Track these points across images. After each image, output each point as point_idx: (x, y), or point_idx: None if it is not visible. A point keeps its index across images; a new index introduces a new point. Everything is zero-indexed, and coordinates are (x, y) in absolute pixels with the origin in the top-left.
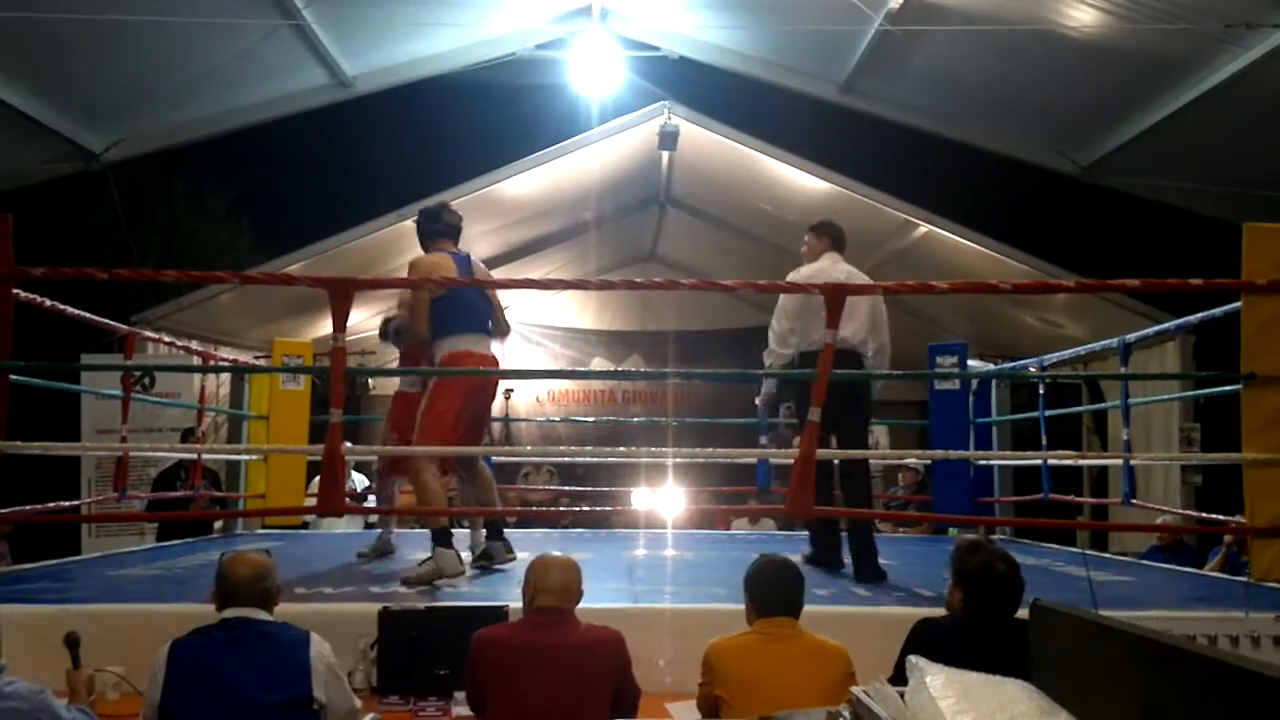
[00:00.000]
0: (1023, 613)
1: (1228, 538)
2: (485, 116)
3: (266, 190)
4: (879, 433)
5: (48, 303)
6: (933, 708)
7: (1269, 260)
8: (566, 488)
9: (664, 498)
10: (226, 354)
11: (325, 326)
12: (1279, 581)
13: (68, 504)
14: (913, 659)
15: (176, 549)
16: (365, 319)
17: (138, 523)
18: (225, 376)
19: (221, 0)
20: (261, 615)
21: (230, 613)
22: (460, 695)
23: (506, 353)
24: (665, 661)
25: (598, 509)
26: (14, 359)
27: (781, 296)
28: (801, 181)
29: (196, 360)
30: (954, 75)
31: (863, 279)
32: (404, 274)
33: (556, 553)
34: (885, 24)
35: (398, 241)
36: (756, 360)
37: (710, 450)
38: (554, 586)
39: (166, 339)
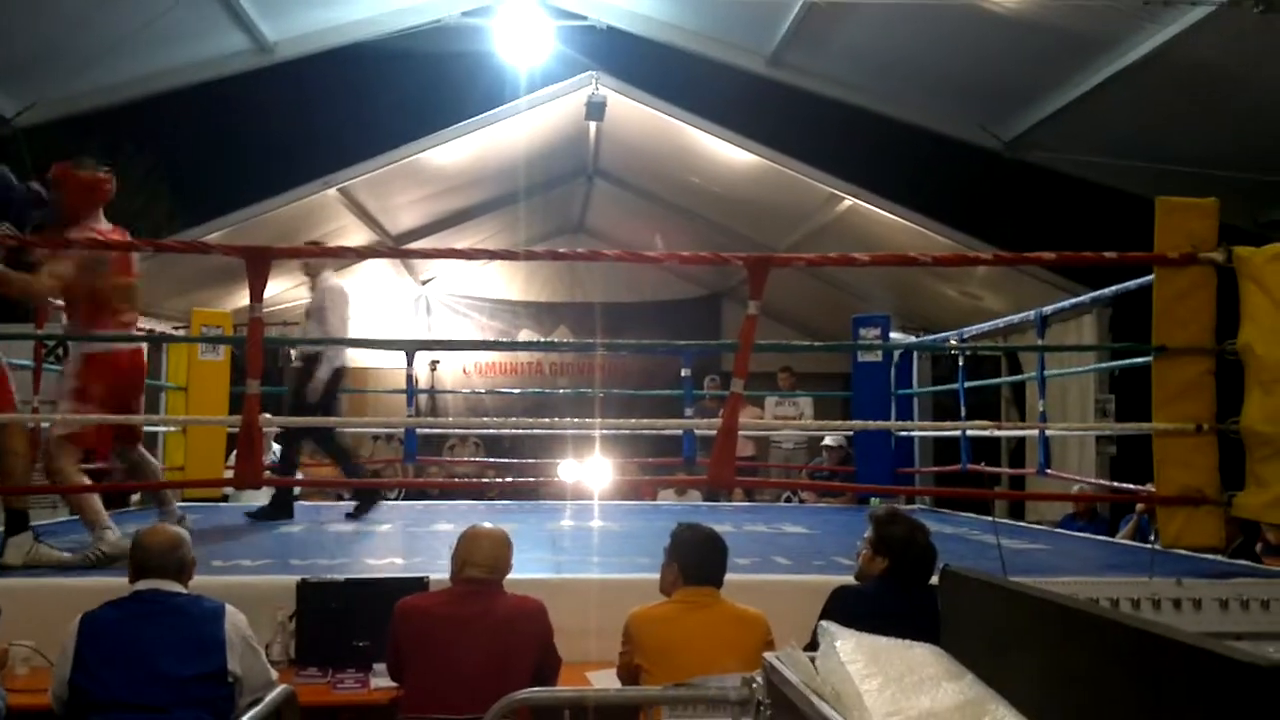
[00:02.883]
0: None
1: (1139, 506)
2: (410, 84)
3: (184, 157)
4: (803, 404)
5: None
6: (842, 671)
7: (1181, 234)
8: (492, 459)
9: (590, 469)
10: (143, 324)
11: (244, 298)
12: (1186, 548)
13: None
14: (824, 624)
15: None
16: (285, 290)
17: (49, 495)
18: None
19: None
20: (175, 587)
21: (143, 584)
22: (379, 667)
23: (433, 325)
24: (588, 631)
25: (523, 480)
26: None
27: None
28: (729, 154)
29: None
30: (879, 50)
31: None
32: (327, 244)
33: (488, 524)
34: None
35: (320, 210)
36: (684, 332)
37: (635, 421)
38: (483, 559)
39: None
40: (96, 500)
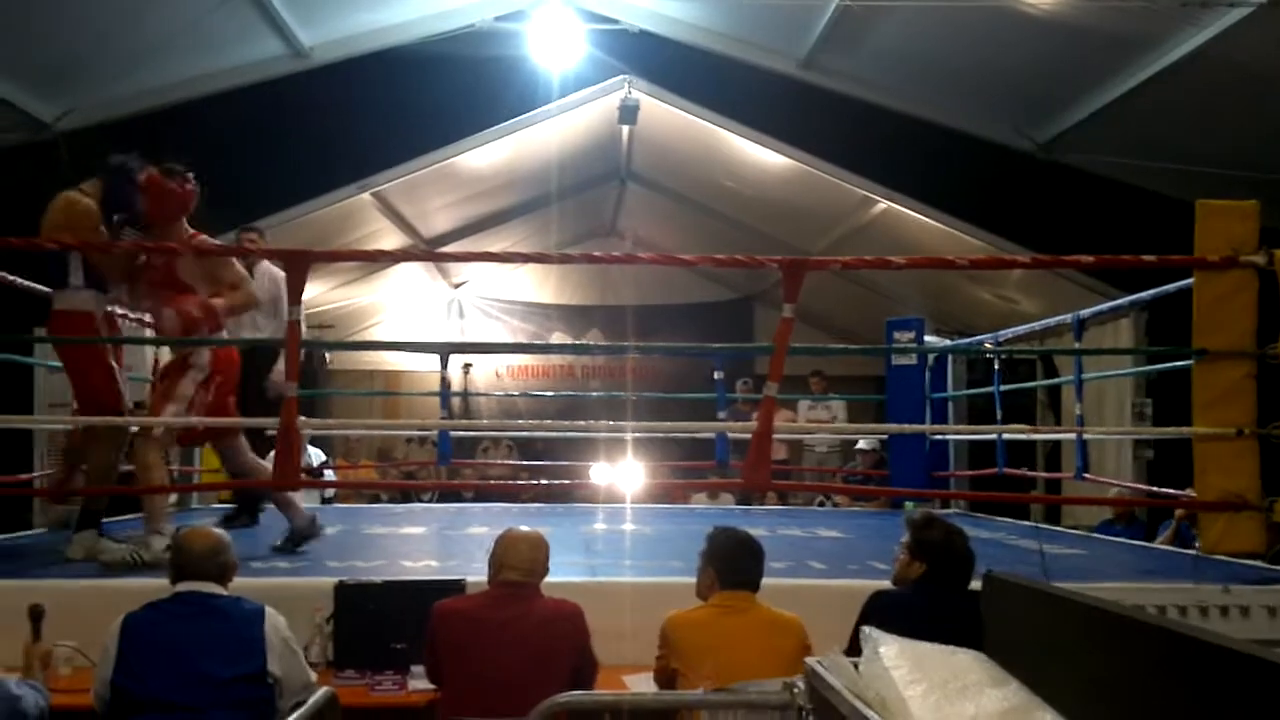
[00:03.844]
0: (975, 585)
1: (1178, 511)
2: (443, 88)
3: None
4: (836, 407)
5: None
6: (886, 677)
7: (1221, 237)
8: (525, 462)
9: (623, 472)
10: None
11: None
12: (1227, 554)
13: (19, 478)
14: (867, 630)
15: (131, 524)
16: (322, 292)
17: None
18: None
19: None
20: (216, 589)
21: (184, 587)
22: (417, 669)
23: (466, 328)
24: (623, 634)
25: (556, 483)
26: None
27: None
28: (761, 157)
29: (150, 333)
30: (913, 51)
31: None
32: (362, 248)
33: (525, 527)
34: (846, 0)
35: (356, 214)
36: (716, 334)
37: (668, 425)
38: (520, 562)
39: (120, 311)
40: (162, 501)
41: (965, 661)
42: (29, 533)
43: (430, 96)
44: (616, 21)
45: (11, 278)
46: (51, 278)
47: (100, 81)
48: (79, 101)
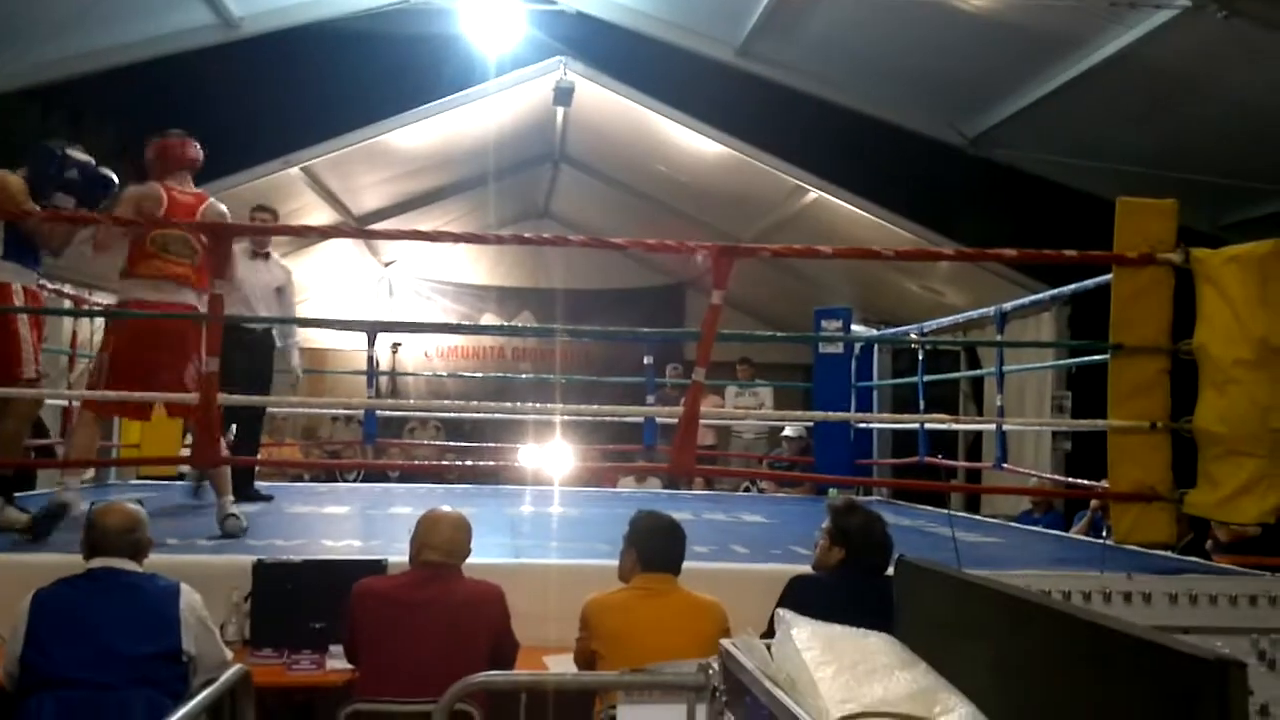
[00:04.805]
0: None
1: (1094, 502)
2: (377, 65)
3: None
4: (764, 394)
5: None
6: (797, 659)
7: (1140, 234)
8: (452, 443)
9: (551, 455)
10: (101, 299)
11: None
12: (1138, 544)
13: None
14: (780, 612)
15: (40, 498)
16: None
17: None
18: (98, 322)
19: None
20: (130, 566)
21: (97, 563)
22: (335, 649)
23: (395, 307)
24: (547, 616)
25: (484, 465)
26: None
27: None
28: (695, 143)
29: (68, 304)
30: (848, 42)
31: None
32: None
33: (447, 508)
34: None
35: (283, 188)
36: (647, 319)
37: (596, 409)
38: (441, 543)
39: (48, 285)
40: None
41: (876, 644)
42: None
43: (363, 72)
44: (554, 2)
45: None
46: None
47: (24, 47)
48: (3, 66)
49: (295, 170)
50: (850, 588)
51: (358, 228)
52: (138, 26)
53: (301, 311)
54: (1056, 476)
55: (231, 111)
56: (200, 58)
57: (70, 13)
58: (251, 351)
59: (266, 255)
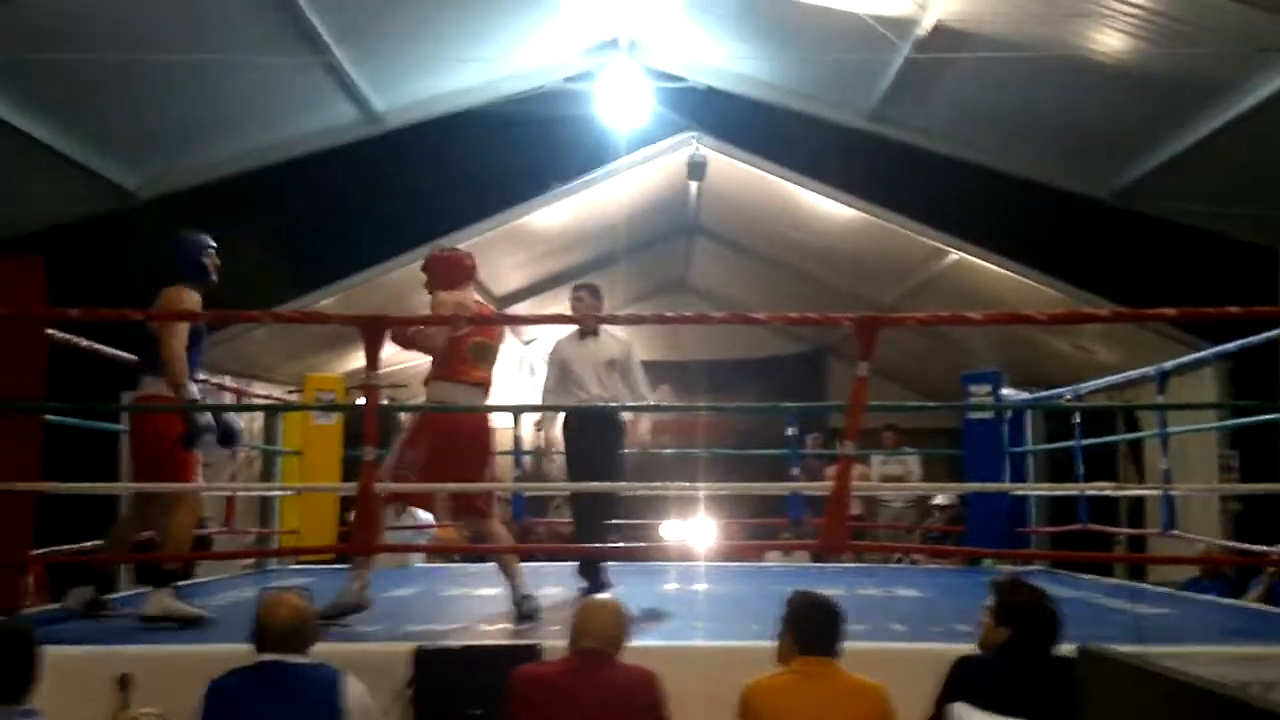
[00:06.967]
0: (1063, 648)
1: (1270, 568)
2: (514, 149)
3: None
4: (911, 462)
5: (84, 343)
6: None
7: None
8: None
9: (695, 530)
10: (260, 389)
11: (356, 360)
12: None
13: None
14: (956, 708)
15: (210, 586)
16: (395, 352)
17: None
18: (260, 412)
19: (253, 37)
20: (296, 659)
21: (266, 657)
22: None
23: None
24: (699, 699)
25: (629, 546)
26: (52, 399)
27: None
28: (830, 210)
29: (229, 397)
30: (982, 101)
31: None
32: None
33: (606, 595)
34: (913, 52)
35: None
36: (787, 388)
37: (742, 485)
38: (598, 631)
39: (201, 376)
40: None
41: None
42: (114, 595)
43: (501, 157)
44: (683, 79)
45: (99, 347)
46: (143, 361)
47: (181, 149)
48: (160, 169)
49: None
50: (1019, 669)
51: (499, 315)
52: (286, 126)
53: None
54: (1227, 542)
55: (377, 202)
56: (346, 152)
57: (224, 116)
58: (588, 432)
59: (595, 332)
